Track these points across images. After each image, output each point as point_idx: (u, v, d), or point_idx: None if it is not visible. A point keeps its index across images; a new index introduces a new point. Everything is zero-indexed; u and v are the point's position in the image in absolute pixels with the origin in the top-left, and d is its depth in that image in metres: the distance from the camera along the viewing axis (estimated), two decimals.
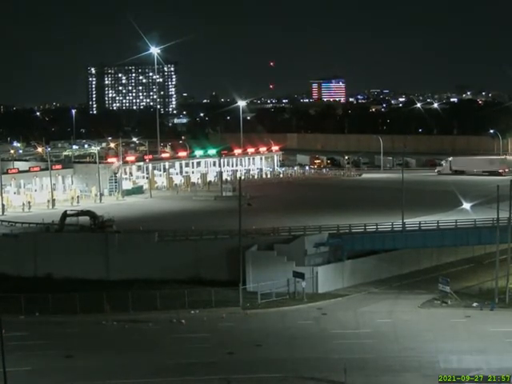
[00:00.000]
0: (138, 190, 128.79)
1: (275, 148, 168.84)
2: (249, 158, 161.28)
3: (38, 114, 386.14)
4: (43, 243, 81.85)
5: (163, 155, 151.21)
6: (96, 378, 50.66)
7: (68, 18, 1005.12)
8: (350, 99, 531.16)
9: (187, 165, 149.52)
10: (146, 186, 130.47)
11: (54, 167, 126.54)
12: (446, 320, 64.10)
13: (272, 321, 65.20)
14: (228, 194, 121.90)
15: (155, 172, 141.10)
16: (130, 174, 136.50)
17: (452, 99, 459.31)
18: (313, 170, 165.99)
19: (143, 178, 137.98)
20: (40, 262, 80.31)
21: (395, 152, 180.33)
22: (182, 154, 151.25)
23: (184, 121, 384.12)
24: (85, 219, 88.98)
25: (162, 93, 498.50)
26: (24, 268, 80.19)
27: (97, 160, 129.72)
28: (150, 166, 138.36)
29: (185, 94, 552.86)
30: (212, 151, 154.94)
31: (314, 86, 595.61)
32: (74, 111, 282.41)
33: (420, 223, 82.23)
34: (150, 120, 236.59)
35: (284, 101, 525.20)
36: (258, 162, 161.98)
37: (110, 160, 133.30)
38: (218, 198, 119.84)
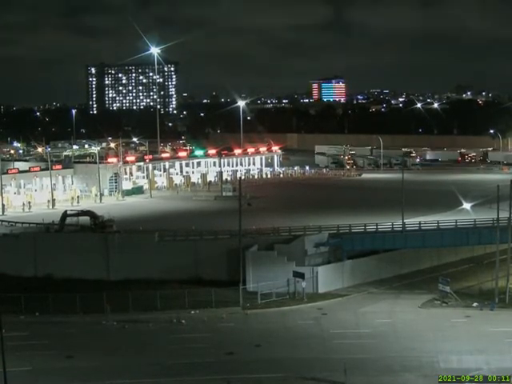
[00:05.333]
0: (138, 190, 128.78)
1: (275, 148, 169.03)
2: (249, 158, 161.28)
3: (37, 114, 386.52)
4: (43, 243, 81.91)
5: (163, 155, 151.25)
6: (96, 378, 50.62)
7: (68, 17, 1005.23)
8: (350, 99, 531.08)
9: (187, 165, 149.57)
10: (146, 186, 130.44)
11: (54, 167, 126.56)
12: (446, 320, 64.03)
13: (272, 321, 65.10)
14: (228, 194, 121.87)
15: (155, 172, 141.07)
16: (130, 174, 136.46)
17: (452, 99, 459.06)
18: (313, 170, 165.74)
19: (143, 178, 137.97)
20: (40, 261, 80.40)
21: None
22: (182, 154, 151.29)
23: (184, 121, 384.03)
24: (85, 219, 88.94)
25: (162, 93, 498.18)
26: (24, 268, 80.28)
27: (97, 160, 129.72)
28: (150, 166, 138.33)
29: (185, 94, 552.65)
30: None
31: (314, 86, 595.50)
32: (74, 111, 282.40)
33: (420, 223, 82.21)
34: (150, 120, 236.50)
35: (284, 101, 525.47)
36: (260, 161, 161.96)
37: (110, 160, 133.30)
38: (218, 198, 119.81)
